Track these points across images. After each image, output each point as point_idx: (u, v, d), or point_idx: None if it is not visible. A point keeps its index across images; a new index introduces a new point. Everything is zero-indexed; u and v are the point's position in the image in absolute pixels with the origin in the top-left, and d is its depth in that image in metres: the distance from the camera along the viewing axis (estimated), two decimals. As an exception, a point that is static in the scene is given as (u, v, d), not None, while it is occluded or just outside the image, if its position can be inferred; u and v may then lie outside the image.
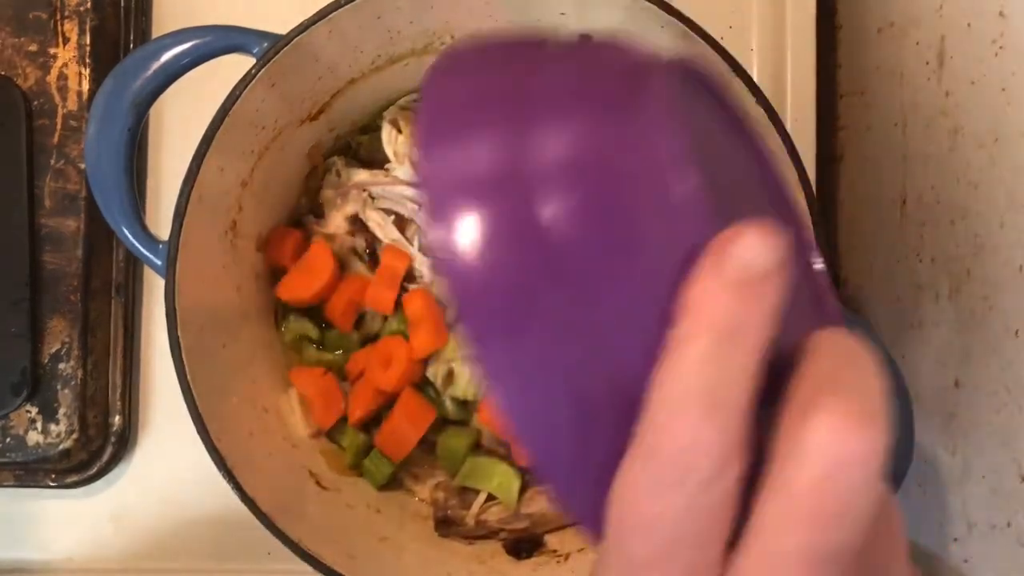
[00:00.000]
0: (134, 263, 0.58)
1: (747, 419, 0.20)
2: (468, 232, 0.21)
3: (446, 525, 0.52)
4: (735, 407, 0.20)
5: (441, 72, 0.24)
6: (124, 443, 0.57)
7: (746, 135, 0.28)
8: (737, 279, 0.20)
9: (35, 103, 0.55)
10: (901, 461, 0.46)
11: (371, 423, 0.54)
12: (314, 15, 0.44)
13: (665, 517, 0.20)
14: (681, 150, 0.21)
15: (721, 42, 0.44)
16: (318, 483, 0.50)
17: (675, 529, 0.20)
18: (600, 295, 0.21)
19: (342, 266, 0.54)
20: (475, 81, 0.24)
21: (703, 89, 0.26)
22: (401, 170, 0.52)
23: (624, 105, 0.22)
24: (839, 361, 0.21)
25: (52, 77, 0.55)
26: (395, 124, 0.53)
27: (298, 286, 0.52)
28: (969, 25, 0.47)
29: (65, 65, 0.55)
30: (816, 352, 0.21)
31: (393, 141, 0.53)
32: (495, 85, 0.24)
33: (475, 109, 0.23)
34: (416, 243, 0.52)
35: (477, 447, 0.53)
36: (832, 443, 0.19)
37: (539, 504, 0.51)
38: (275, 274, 0.54)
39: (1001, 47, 0.45)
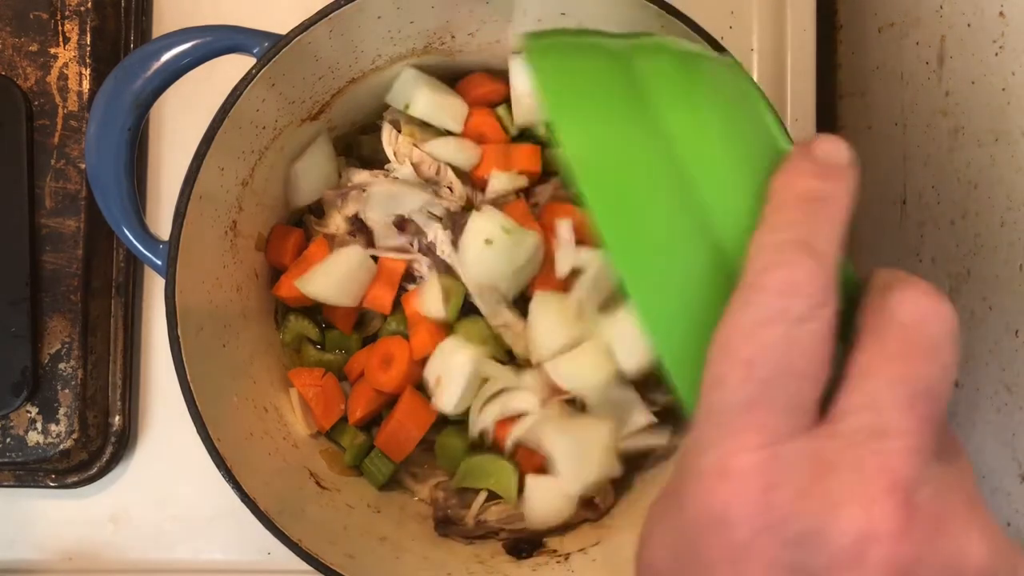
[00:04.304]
0: (134, 263, 0.58)
1: (835, 272, 0.23)
2: None
3: (446, 525, 0.52)
4: (826, 254, 0.23)
5: None
6: (124, 443, 0.57)
7: None
8: (819, 164, 0.24)
9: (36, 103, 0.55)
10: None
11: (371, 423, 0.54)
12: (314, 15, 0.44)
13: (764, 351, 0.22)
14: None
15: (721, 42, 0.44)
16: (318, 483, 0.50)
17: (774, 364, 0.22)
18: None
19: (342, 266, 0.54)
20: None
21: None
22: (401, 170, 0.52)
23: None
24: (902, 273, 0.25)
25: (52, 77, 0.55)
26: (395, 124, 0.53)
27: (296, 286, 0.52)
28: (969, 25, 0.47)
29: (65, 65, 0.55)
30: (887, 271, 0.25)
31: (393, 141, 0.53)
32: None
33: None
34: (415, 243, 0.52)
35: (476, 446, 0.53)
36: (915, 299, 0.23)
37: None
38: (275, 274, 0.54)
39: (1001, 47, 0.45)
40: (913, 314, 0.23)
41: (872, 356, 0.23)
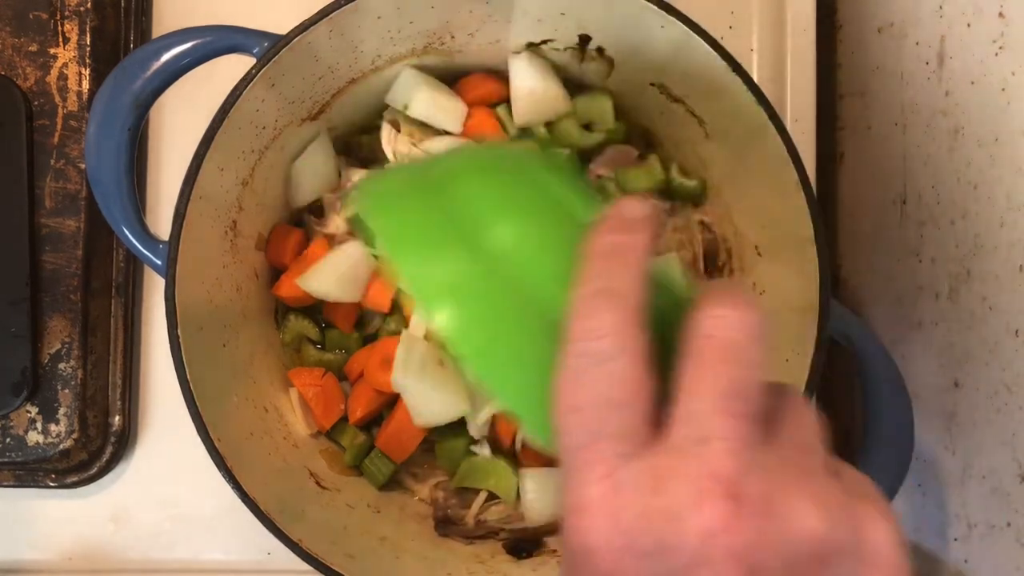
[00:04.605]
0: (134, 263, 0.58)
1: (639, 308, 0.26)
2: None
3: (446, 525, 0.52)
4: (625, 294, 0.26)
5: None
6: (124, 443, 0.57)
7: None
8: (617, 221, 0.28)
9: (35, 103, 0.55)
10: (901, 460, 0.46)
11: (371, 423, 0.54)
12: (314, 15, 0.44)
13: (586, 394, 0.26)
14: None
15: (721, 42, 0.44)
16: (318, 483, 0.50)
17: (597, 402, 0.26)
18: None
19: (342, 266, 0.53)
20: None
21: None
22: (401, 170, 0.52)
23: None
24: (718, 285, 0.29)
25: (52, 77, 0.55)
26: (395, 124, 0.53)
27: (297, 284, 0.52)
28: (969, 25, 0.47)
29: (65, 65, 0.55)
30: (703, 288, 0.28)
31: (393, 141, 0.53)
32: None
33: None
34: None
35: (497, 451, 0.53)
36: (718, 312, 0.26)
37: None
38: (275, 274, 0.54)
39: (1001, 47, 0.45)
40: (716, 326, 0.26)
41: (688, 372, 0.26)
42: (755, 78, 0.46)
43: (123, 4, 0.57)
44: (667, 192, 0.54)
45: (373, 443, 0.53)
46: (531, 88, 0.51)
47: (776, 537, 0.24)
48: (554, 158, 0.35)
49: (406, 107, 0.52)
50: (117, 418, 0.56)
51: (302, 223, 0.55)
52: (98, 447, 0.56)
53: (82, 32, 0.55)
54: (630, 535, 0.24)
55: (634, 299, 0.26)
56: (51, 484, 0.56)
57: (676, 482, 0.24)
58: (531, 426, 0.29)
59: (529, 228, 0.31)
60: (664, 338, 0.28)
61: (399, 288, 0.31)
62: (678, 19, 0.44)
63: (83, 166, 0.54)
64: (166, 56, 0.45)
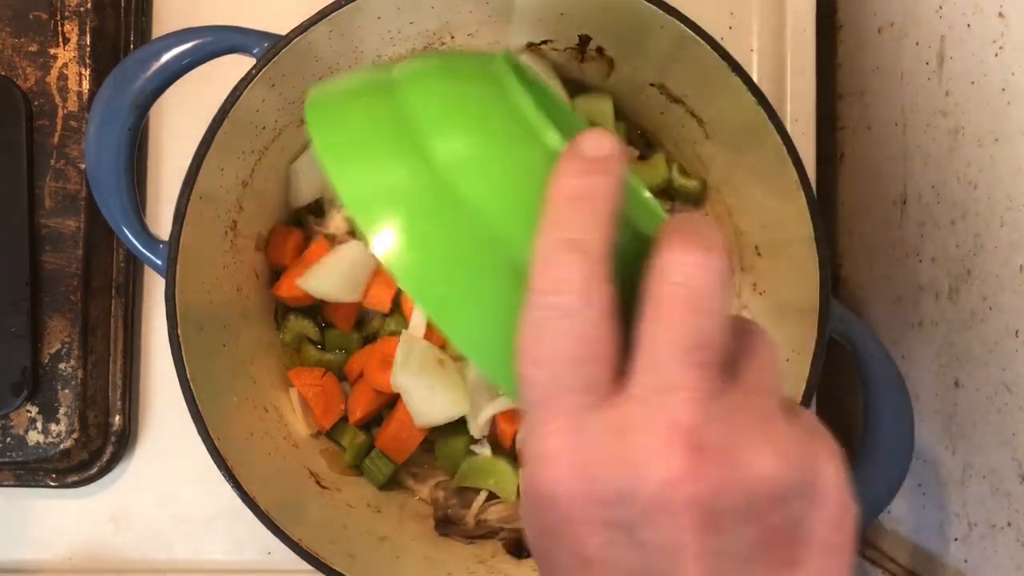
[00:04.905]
0: (134, 263, 0.58)
1: (606, 260, 0.26)
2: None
3: (446, 524, 0.52)
4: (591, 244, 0.26)
5: None
6: (124, 443, 0.57)
7: None
8: (584, 161, 0.27)
9: (35, 103, 0.55)
10: (901, 460, 0.46)
11: (371, 423, 0.54)
12: (314, 15, 0.44)
13: (550, 347, 0.26)
14: None
15: (721, 42, 0.44)
16: (318, 483, 0.50)
17: (560, 356, 0.25)
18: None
19: (342, 266, 0.53)
20: None
21: None
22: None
23: None
24: (682, 221, 0.27)
25: (52, 77, 0.55)
26: (395, 124, 0.53)
27: (297, 284, 0.52)
28: (969, 25, 0.47)
29: (65, 65, 0.55)
30: (666, 225, 0.27)
31: (393, 141, 0.53)
32: None
33: None
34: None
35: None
36: (681, 259, 0.26)
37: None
38: (275, 274, 0.54)
39: (1001, 47, 0.45)
40: (680, 273, 0.26)
41: (650, 319, 0.26)
42: (755, 78, 0.46)
43: (123, 4, 0.57)
44: (667, 192, 0.54)
45: (373, 443, 0.53)
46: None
47: (735, 484, 0.25)
48: (526, 72, 0.32)
49: None
50: (117, 418, 0.56)
51: (302, 223, 0.55)
52: (98, 447, 0.56)
53: (82, 32, 0.55)
54: (592, 483, 0.25)
55: (601, 250, 0.26)
56: (51, 484, 0.56)
57: (638, 432, 0.25)
58: (492, 373, 0.27)
59: (486, 142, 0.28)
60: (628, 278, 0.27)
61: (340, 203, 0.28)
62: (678, 19, 0.44)
63: (83, 166, 0.54)
64: (166, 56, 0.45)
